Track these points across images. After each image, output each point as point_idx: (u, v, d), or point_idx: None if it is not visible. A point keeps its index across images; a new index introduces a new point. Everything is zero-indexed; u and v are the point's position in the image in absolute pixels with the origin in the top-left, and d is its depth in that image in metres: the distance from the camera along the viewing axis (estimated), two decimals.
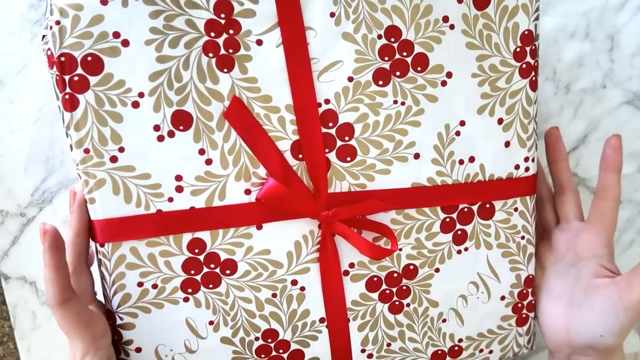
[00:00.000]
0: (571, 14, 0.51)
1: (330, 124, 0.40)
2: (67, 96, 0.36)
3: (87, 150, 0.37)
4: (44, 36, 0.37)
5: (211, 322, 0.41)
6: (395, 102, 0.40)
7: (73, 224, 0.39)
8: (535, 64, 0.42)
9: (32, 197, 0.51)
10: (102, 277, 0.40)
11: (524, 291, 0.46)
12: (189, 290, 0.40)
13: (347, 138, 0.40)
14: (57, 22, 0.35)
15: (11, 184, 0.50)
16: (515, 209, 0.44)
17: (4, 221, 0.51)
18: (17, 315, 0.53)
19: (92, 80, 0.36)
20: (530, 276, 0.45)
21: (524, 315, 0.46)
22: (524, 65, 0.41)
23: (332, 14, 0.38)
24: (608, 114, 0.53)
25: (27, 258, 0.52)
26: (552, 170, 0.47)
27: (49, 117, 0.49)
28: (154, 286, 0.40)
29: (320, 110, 0.39)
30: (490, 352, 0.46)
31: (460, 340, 0.46)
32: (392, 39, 0.39)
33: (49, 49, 0.36)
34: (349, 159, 0.41)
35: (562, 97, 0.52)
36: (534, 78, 0.42)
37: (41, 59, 0.49)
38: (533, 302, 0.46)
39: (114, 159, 0.38)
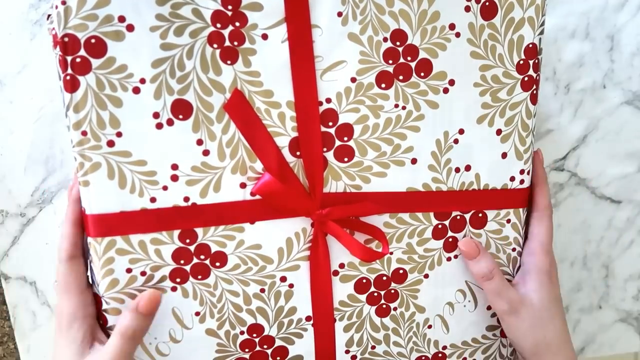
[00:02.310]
0: (571, 13, 0.51)
1: (330, 123, 0.40)
2: (68, 77, 0.36)
3: (84, 133, 0.37)
4: (49, 15, 0.37)
5: (197, 313, 0.41)
6: (397, 106, 0.40)
7: (70, 214, 0.40)
8: (537, 77, 0.42)
9: (32, 197, 0.51)
10: (91, 261, 0.39)
11: None
12: (178, 280, 0.40)
13: (346, 138, 0.40)
14: (63, 2, 0.35)
15: (11, 184, 0.50)
16: (508, 221, 0.44)
17: (4, 221, 0.51)
18: (17, 315, 0.53)
19: (94, 62, 0.36)
20: None
21: None
22: (526, 78, 0.42)
23: (340, 14, 0.38)
24: (608, 114, 0.53)
25: (27, 258, 0.52)
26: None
27: (49, 117, 0.50)
28: (143, 273, 0.39)
29: (321, 109, 0.39)
30: None
31: (444, 348, 0.46)
32: (398, 43, 0.39)
33: (53, 28, 0.36)
34: (346, 159, 0.41)
35: (562, 97, 0.52)
36: (534, 91, 0.42)
37: (41, 59, 0.49)
38: None
39: (110, 144, 0.37)
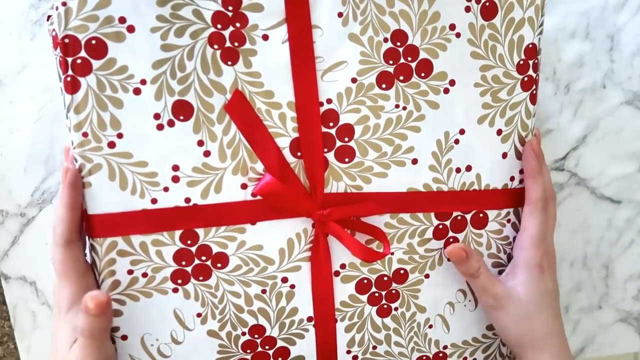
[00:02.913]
0: (571, 13, 0.51)
1: (331, 124, 0.40)
2: (68, 78, 0.36)
3: (85, 134, 0.37)
4: (49, 16, 0.37)
5: (199, 314, 0.41)
6: (397, 106, 0.40)
7: (66, 198, 0.38)
8: (537, 77, 0.42)
9: (32, 197, 0.51)
10: (93, 262, 0.39)
11: None
12: (179, 281, 0.40)
13: (346, 139, 0.40)
14: (64, 4, 0.35)
15: (11, 184, 0.50)
16: (508, 221, 0.44)
17: (4, 221, 0.51)
18: (17, 315, 0.53)
19: (95, 64, 0.36)
20: None
21: None
22: (525, 79, 0.42)
23: (340, 14, 0.38)
24: (608, 114, 0.53)
25: (27, 258, 0.52)
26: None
27: (49, 117, 0.49)
28: (144, 275, 0.39)
29: (322, 109, 0.39)
30: None
31: (445, 347, 0.46)
32: (398, 43, 0.39)
33: (53, 29, 0.36)
34: (347, 159, 0.41)
35: (562, 97, 0.52)
36: (534, 92, 0.42)
37: (41, 59, 0.48)
38: None
39: (111, 145, 0.37)
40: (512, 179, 0.43)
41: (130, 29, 0.36)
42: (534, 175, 0.43)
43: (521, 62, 0.41)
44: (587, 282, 0.56)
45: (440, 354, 0.46)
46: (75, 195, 0.38)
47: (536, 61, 0.42)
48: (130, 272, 0.39)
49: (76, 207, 0.38)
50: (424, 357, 0.46)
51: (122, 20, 0.36)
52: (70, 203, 0.38)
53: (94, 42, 0.36)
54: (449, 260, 0.43)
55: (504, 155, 0.43)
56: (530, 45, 0.41)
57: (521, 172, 0.43)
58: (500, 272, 0.45)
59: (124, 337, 0.40)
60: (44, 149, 0.50)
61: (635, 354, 0.60)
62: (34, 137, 0.49)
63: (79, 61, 0.36)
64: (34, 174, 0.51)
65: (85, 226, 0.39)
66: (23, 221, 0.51)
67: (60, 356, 0.38)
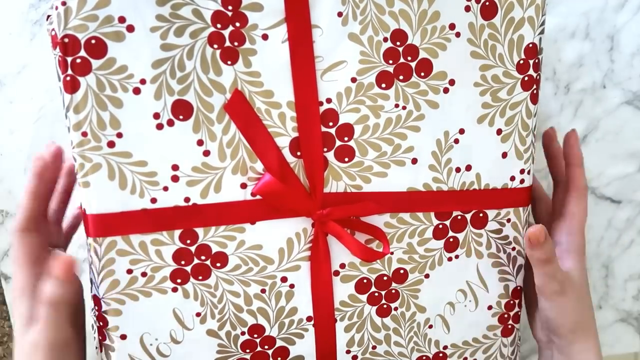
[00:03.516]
0: (571, 14, 0.51)
1: (331, 124, 0.40)
2: (68, 78, 0.36)
3: (84, 134, 0.37)
4: (48, 16, 0.37)
5: (198, 314, 0.41)
6: (397, 105, 0.40)
7: (29, 186, 0.39)
8: (537, 77, 0.42)
9: None
10: (91, 262, 0.39)
11: (511, 302, 0.46)
12: (178, 281, 0.40)
13: (346, 138, 0.40)
14: (63, 3, 0.35)
15: (11, 184, 0.51)
16: (508, 220, 0.44)
17: (4, 221, 0.51)
18: None
19: (95, 63, 0.36)
20: (518, 287, 0.46)
21: (509, 326, 0.46)
22: (526, 78, 0.42)
23: (340, 14, 0.38)
24: (608, 114, 0.53)
25: None
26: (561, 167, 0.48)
27: (49, 117, 0.50)
28: (143, 274, 0.39)
29: (322, 109, 0.39)
30: None
31: (445, 347, 0.46)
32: (398, 43, 0.39)
33: (53, 29, 0.36)
34: (347, 159, 0.41)
35: (562, 97, 0.52)
36: (535, 91, 0.42)
37: (41, 59, 0.49)
38: (519, 313, 0.46)
39: (111, 144, 0.37)
40: (512, 178, 0.43)
41: (130, 28, 0.36)
42: (580, 162, 0.44)
43: (521, 61, 0.41)
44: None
45: (440, 354, 0.46)
46: (38, 185, 0.39)
47: (537, 61, 0.42)
48: (129, 271, 0.39)
49: (38, 197, 0.39)
50: (424, 357, 0.46)
51: (122, 19, 0.36)
52: (32, 191, 0.39)
53: (93, 41, 0.36)
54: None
55: (504, 155, 0.43)
56: (531, 45, 0.41)
57: (521, 172, 0.43)
58: (500, 272, 0.45)
59: (123, 337, 0.40)
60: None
61: (635, 354, 0.60)
62: (34, 137, 0.49)
63: (78, 61, 0.36)
64: None
65: (85, 226, 0.39)
66: None
67: (16, 341, 0.38)
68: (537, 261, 0.42)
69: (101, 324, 0.40)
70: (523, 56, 0.41)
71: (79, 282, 0.41)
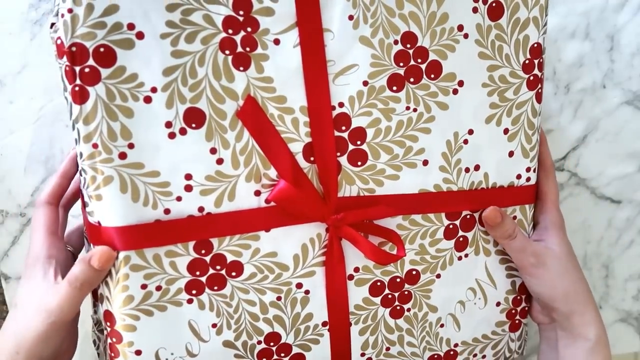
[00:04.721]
0: (571, 14, 0.52)
1: (343, 128, 0.40)
2: (76, 88, 0.35)
3: (95, 145, 0.36)
4: (52, 24, 0.35)
5: (214, 325, 0.40)
6: (408, 108, 0.40)
7: (63, 167, 0.42)
8: (542, 76, 0.43)
9: (32, 197, 0.50)
10: (105, 276, 0.38)
11: (518, 297, 0.47)
12: (194, 292, 0.39)
13: (359, 142, 0.40)
14: (70, 10, 0.34)
15: (11, 184, 0.49)
16: (514, 217, 0.45)
17: (4, 221, 0.50)
18: None
19: (104, 72, 0.35)
20: (524, 283, 0.46)
21: (517, 321, 0.47)
22: (531, 78, 0.42)
23: (351, 17, 0.38)
24: (608, 114, 0.53)
25: None
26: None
27: (49, 117, 0.49)
28: (158, 288, 0.38)
29: (334, 113, 0.39)
30: (484, 357, 0.47)
31: (455, 345, 0.46)
32: (408, 45, 0.39)
33: (59, 37, 0.34)
34: (359, 163, 0.40)
35: (562, 97, 0.53)
36: (540, 90, 0.43)
37: (41, 59, 0.47)
38: (526, 308, 0.47)
39: (122, 156, 0.36)
40: (518, 176, 0.44)
41: (140, 35, 0.35)
42: (543, 141, 0.46)
43: (527, 61, 0.42)
44: (587, 282, 0.56)
45: (451, 352, 0.46)
46: (70, 167, 0.42)
47: (541, 60, 0.42)
48: (143, 286, 0.38)
49: (66, 176, 0.42)
50: (436, 356, 0.46)
51: (131, 26, 0.35)
52: (65, 171, 0.42)
53: (102, 49, 0.35)
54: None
55: (511, 154, 0.43)
56: (536, 45, 0.42)
57: (527, 170, 0.44)
58: (507, 269, 0.46)
59: (138, 352, 0.39)
60: (44, 149, 0.49)
61: (635, 354, 0.61)
62: (34, 137, 0.49)
63: (87, 70, 0.35)
64: (34, 174, 0.50)
65: (93, 239, 0.38)
66: (23, 221, 0.50)
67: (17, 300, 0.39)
68: (501, 239, 0.44)
69: (114, 339, 0.39)
70: (529, 56, 0.42)
71: (104, 273, 0.39)
